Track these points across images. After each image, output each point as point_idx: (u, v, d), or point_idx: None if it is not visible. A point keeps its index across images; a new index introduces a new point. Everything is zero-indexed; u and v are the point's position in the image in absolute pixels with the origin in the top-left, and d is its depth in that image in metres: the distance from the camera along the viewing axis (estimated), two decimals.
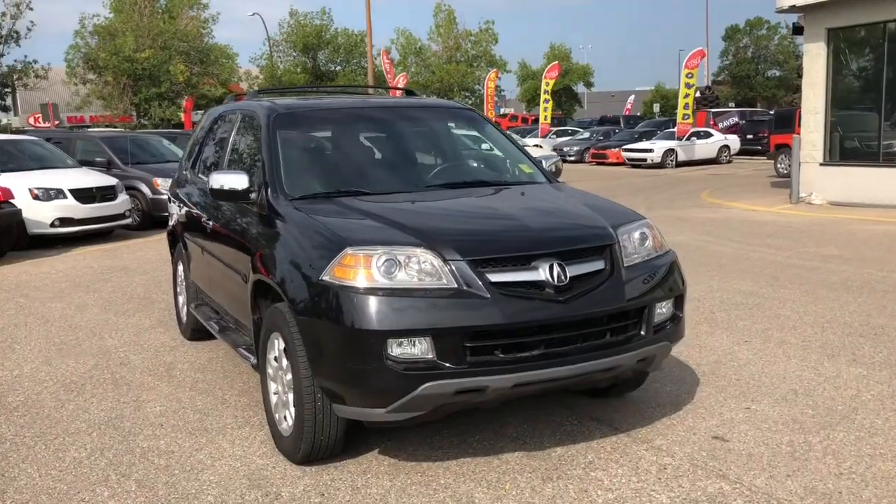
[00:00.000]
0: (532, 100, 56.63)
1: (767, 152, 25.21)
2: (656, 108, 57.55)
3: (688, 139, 29.72)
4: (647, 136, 32.57)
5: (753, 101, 63.62)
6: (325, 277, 3.63)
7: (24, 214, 11.90)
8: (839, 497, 3.56)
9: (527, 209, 4.30)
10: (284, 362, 3.99)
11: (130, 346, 6.43)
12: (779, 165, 22.54)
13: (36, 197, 12.14)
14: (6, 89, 34.34)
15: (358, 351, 3.52)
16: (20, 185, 12.12)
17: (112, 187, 13.14)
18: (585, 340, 3.77)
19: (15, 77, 34.08)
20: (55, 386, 5.45)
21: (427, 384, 3.49)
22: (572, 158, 33.66)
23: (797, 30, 15.82)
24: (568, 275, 3.70)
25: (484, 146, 5.47)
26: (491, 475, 3.87)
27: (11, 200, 11.63)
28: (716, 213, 14.59)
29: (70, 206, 12.34)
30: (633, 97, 67.05)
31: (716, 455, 4.03)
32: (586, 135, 36.91)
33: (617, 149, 31.37)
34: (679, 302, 4.24)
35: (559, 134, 38.00)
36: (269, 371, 4.25)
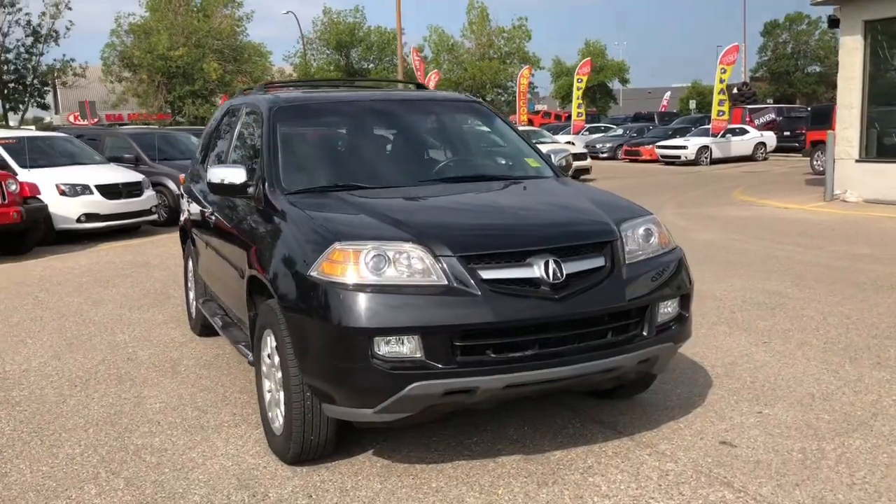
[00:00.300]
0: (566, 96, 56.10)
1: (803, 149, 24.67)
2: (692, 104, 56.66)
3: (722, 136, 29.20)
4: (681, 132, 32.10)
5: (793, 97, 62.43)
6: (313, 273, 3.54)
7: (52, 210, 12.04)
8: None
9: (526, 204, 4.17)
10: (276, 359, 3.90)
11: (140, 342, 6.41)
12: (815, 162, 22.01)
13: (63, 193, 12.26)
14: (45, 88, 34.90)
15: (344, 349, 3.41)
16: (48, 180, 12.25)
17: (138, 183, 13.23)
18: (583, 340, 3.62)
19: (54, 76, 34.66)
20: (60, 381, 5.44)
21: (414, 384, 3.37)
22: (605, 155, 33.29)
23: (833, 22, 15.40)
24: (564, 272, 3.56)
25: (492, 140, 5.33)
26: (485, 479, 3.74)
27: (38, 196, 11.78)
28: (746, 211, 14.26)
29: (96, 202, 12.44)
30: (669, 94, 66.25)
31: (722, 461, 3.85)
32: (619, 131, 36.49)
33: (650, 146, 30.94)
34: (685, 301, 4.06)
35: (592, 130, 37.61)
36: (263, 368, 4.17)
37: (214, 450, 4.19)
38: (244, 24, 38.90)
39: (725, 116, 29.22)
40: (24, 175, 12.18)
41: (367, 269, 3.45)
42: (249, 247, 4.30)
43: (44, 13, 32.72)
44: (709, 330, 6.20)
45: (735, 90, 45.67)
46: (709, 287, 7.74)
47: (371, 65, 49.75)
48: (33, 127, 36.95)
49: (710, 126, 29.48)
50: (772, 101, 53.85)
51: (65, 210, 12.24)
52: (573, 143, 30.19)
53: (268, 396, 4.14)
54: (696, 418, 4.41)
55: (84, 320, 7.21)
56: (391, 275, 3.46)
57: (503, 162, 5.16)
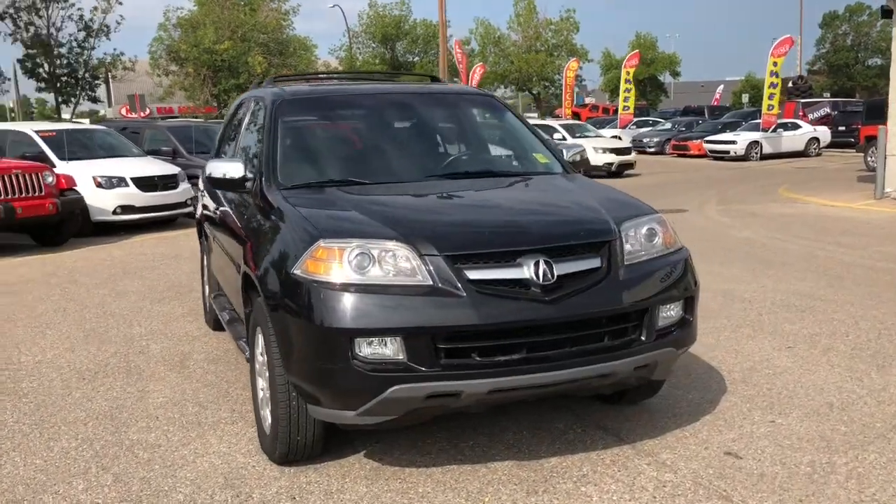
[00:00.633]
0: (615, 90, 55.35)
1: (858, 145, 23.87)
2: (745, 98, 55.49)
3: (773, 131, 28.44)
4: (731, 127, 31.36)
5: (852, 91, 60.63)
6: (297, 271, 3.45)
7: (88, 202, 12.24)
8: None
9: (523, 203, 4.03)
10: (265, 358, 3.83)
11: (154, 335, 6.42)
12: (868, 159, 21.25)
13: (99, 185, 12.44)
14: (96, 81, 35.64)
15: (325, 350, 3.32)
16: (85, 173, 12.45)
17: (174, 176, 13.36)
18: (575, 345, 3.47)
19: (106, 70, 35.40)
20: (70, 373, 5.46)
21: (396, 387, 3.27)
22: (652, 150, 32.69)
23: (886, 13, 14.83)
24: (555, 273, 3.41)
25: (502, 134, 5.18)
26: (474, 485, 3.62)
27: (75, 188, 11.97)
28: (790, 209, 13.83)
29: (131, 194, 12.59)
30: (721, 87, 64.83)
31: (724, 473, 3.67)
32: (668, 125, 35.81)
33: (699, 140, 30.27)
34: (689, 304, 3.88)
35: (639, 124, 36.98)
36: (257, 366, 4.11)
37: (207, 447, 4.14)
38: (290, 17, 39.21)
39: (776, 111, 28.44)
40: (63, 167, 12.40)
41: (351, 268, 3.36)
42: (245, 242, 4.24)
43: (95, 8, 33.46)
44: (732, 333, 5.98)
45: (790, 84, 44.54)
46: (739, 287, 7.48)
47: (416, 58, 49.73)
48: (87, 120, 37.79)
49: (760, 120, 28.73)
50: (829, 95, 52.41)
51: (101, 202, 12.42)
52: (620, 138, 29.73)
53: (260, 394, 4.07)
54: (704, 426, 4.22)
55: (104, 312, 7.26)
56: (375, 274, 3.36)
57: (511, 158, 5.01)
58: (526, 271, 3.39)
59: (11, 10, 33.05)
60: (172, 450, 4.13)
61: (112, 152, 13.84)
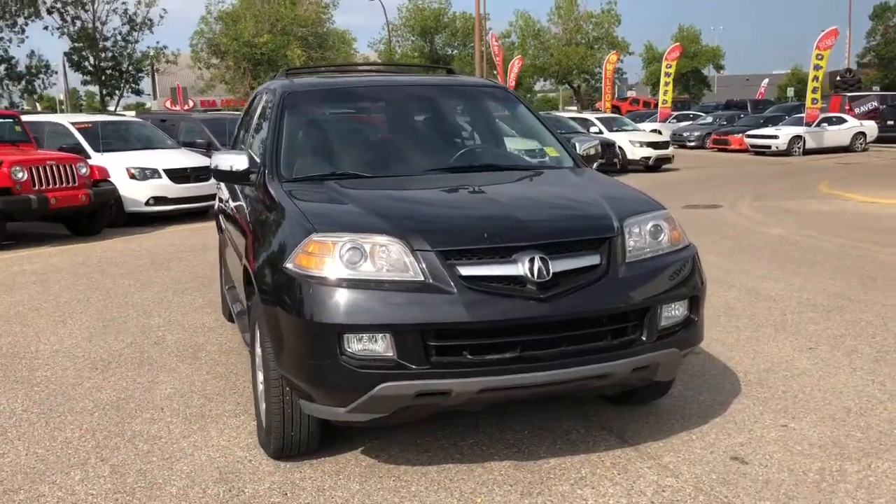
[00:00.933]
0: (657, 83, 54.71)
1: None
2: (790, 92, 54.31)
3: (817, 125, 27.80)
4: (773, 121, 30.72)
5: None
6: (289, 265, 3.41)
7: (122, 193, 12.40)
8: None
9: (523, 197, 3.94)
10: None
11: (172, 326, 6.46)
12: None
13: (132, 176, 12.60)
14: (140, 74, 36.21)
15: (314, 345, 3.28)
16: (119, 164, 12.62)
17: (206, 168, 13.42)
18: (571, 344, 3.38)
19: (151, 63, 35.95)
20: (84, 363, 5.51)
21: (384, 385, 3.21)
22: (692, 144, 32.21)
23: None
24: (551, 270, 3.32)
25: (512, 127, 5.08)
26: (468, 485, 3.56)
27: (108, 179, 12.14)
28: (829, 206, 13.47)
29: (164, 186, 12.73)
30: (766, 81, 63.69)
31: (727, 479, 3.55)
32: (709, 119, 35.24)
33: (740, 135, 29.74)
34: (694, 304, 3.75)
35: (680, 118, 36.43)
36: (257, 360, 4.08)
37: (207, 440, 4.14)
38: (330, 11, 39.37)
39: (820, 104, 27.77)
40: (97, 158, 12.58)
41: (342, 263, 3.31)
42: (247, 236, 4.22)
43: (139, 2, 33.97)
44: (753, 332, 5.81)
45: (838, 77, 43.48)
46: (765, 286, 7.29)
47: (455, 51, 49.62)
48: (133, 112, 38.40)
49: (804, 115, 28.09)
50: (878, 89, 51.05)
51: (134, 193, 12.58)
52: (659, 132, 29.32)
53: (260, 388, 4.04)
54: (712, 429, 4.10)
55: (127, 303, 7.33)
56: (366, 269, 3.31)
57: (519, 151, 4.91)
58: (521, 268, 3.31)
59: (59, 5, 33.75)
60: (172, 442, 4.13)
61: (147, 144, 14.01)
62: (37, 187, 10.72)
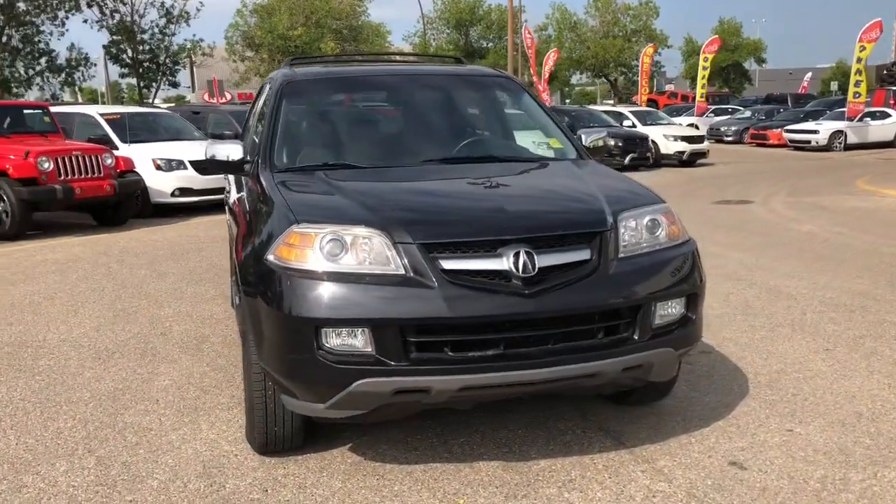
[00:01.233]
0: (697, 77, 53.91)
1: None
2: (834, 86, 53.10)
3: (859, 120, 27.08)
4: (814, 116, 30.01)
5: None
6: (270, 257, 3.34)
7: (148, 184, 12.49)
8: None
9: (515, 189, 3.81)
10: None
11: (180, 316, 6.45)
12: None
13: (158, 167, 12.68)
14: (176, 66, 36.59)
15: (292, 339, 3.21)
16: (146, 155, 12.71)
17: None
18: (557, 342, 3.25)
19: (189, 56, 36.33)
20: (88, 353, 5.51)
21: (361, 381, 3.12)
22: (730, 139, 31.62)
23: None
24: (537, 264, 3.20)
25: (515, 118, 4.95)
26: (452, 486, 3.45)
27: (134, 170, 12.22)
28: (864, 202, 13.07)
29: (189, 177, 12.79)
30: (809, 75, 62.26)
31: (722, 485, 3.40)
32: (747, 114, 34.53)
33: (779, 129, 29.10)
34: (692, 302, 3.59)
35: (717, 112, 35.81)
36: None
37: (196, 433, 4.09)
38: (365, 3, 39.39)
39: (863, 98, 27.05)
40: (125, 150, 12.68)
41: (322, 255, 3.22)
42: (238, 226, 4.16)
43: None
44: (769, 332, 5.61)
45: (884, 71, 42.37)
46: (788, 283, 7.06)
47: (490, 43, 49.35)
48: (173, 104, 38.81)
49: (846, 109, 27.39)
50: None
51: (160, 184, 12.67)
52: (696, 126, 28.84)
53: None
54: (713, 432, 3.94)
55: (140, 293, 7.35)
56: (347, 261, 3.21)
57: (520, 142, 4.78)
58: (505, 262, 3.19)
59: None
60: (162, 434, 4.09)
61: (174, 136, 14.10)
62: (62, 177, 10.83)
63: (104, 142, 12.69)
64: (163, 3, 34.39)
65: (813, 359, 5.02)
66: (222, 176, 12.82)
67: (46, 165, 10.70)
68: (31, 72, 33.56)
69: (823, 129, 26.89)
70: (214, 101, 38.17)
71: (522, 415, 4.16)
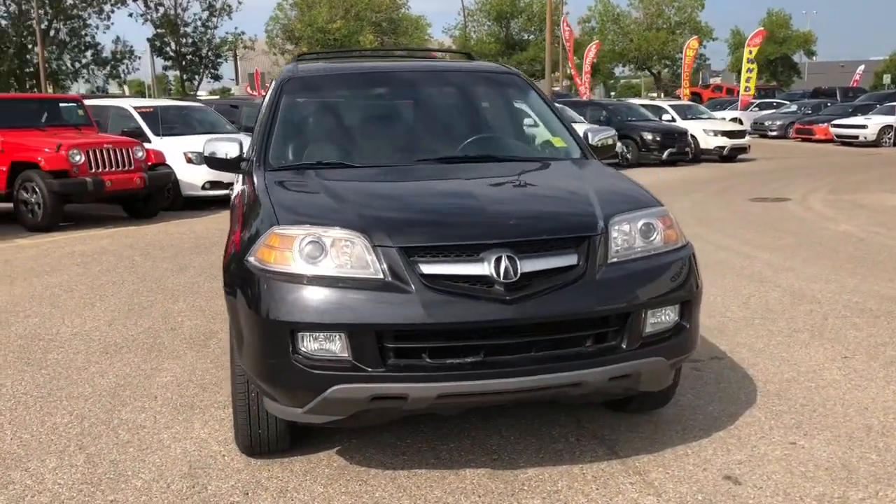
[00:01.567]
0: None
1: None
2: (886, 79, 51.62)
3: None
4: (863, 110, 29.16)
5: None
6: (250, 258, 3.29)
7: (179, 176, 12.62)
8: None
9: (505, 191, 3.71)
10: None
11: (192, 311, 6.47)
12: None
13: (189, 160, 12.78)
14: (218, 59, 37.01)
15: (268, 343, 3.16)
16: (177, 148, 12.83)
17: None
18: (541, 350, 3.15)
19: (233, 48, 36.72)
20: (96, 347, 5.55)
21: (337, 387, 3.06)
22: (774, 133, 30.96)
23: None
24: (519, 270, 3.10)
25: (519, 115, 4.83)
26: (434, 494, 3.38)
27: (165, 163, 12.35)
28: None
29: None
30: (862, 67, 60.62)
31: (714, 500, 3.27)
32: (793, 108, 33.74)
33: (825, 124, 28.39)
34: (686, 309, 3.45)
35: (762, 106, 35.03)
36: None
37: (188, 432, 4.08)
38: None
39: None
40: (157, 142, 12.83)
41: (301, 257, 3.17)
42: (231, 226, 4.13)
43: None
44: (786, 338, 5.43)
45: None
46: (813, 286, 6.84)
47: (531, 36, 48.89)
48: (217, 97, 39.27)
49: None
50: None
51: (191, 177, 12.78)
52: (740, 121, 28.26)
53: None
54: (712, 444, 3.80)
55: (158, 286, 7.40)
56: (325, 264, 3.15)
57: (521, 140, 4.66)
58: (487, 267, 3.10)
59: None
60: (154, 432, 4.08)
61: (208, 129, 14.19)
62: (93, 170, 10.99)
63: (137, 135, 12.85)
64: None
65: (828, 367, 4.84)
66: None
67: (78, 158, 10.86)
68: (77, 64, 34.21)
69: (872, 123, 26.15)
70: (256, 93, 38.54)
71: (516, 420, 4.06)
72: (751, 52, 33.10)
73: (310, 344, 3.11)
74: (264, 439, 3.60)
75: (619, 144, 19.58)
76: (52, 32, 32.81)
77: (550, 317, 3.12)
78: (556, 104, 18.67)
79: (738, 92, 35.87)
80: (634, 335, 3.26)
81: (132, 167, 11.41)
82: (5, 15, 33.23)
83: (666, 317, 3.39)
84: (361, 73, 4.97)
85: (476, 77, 5.00)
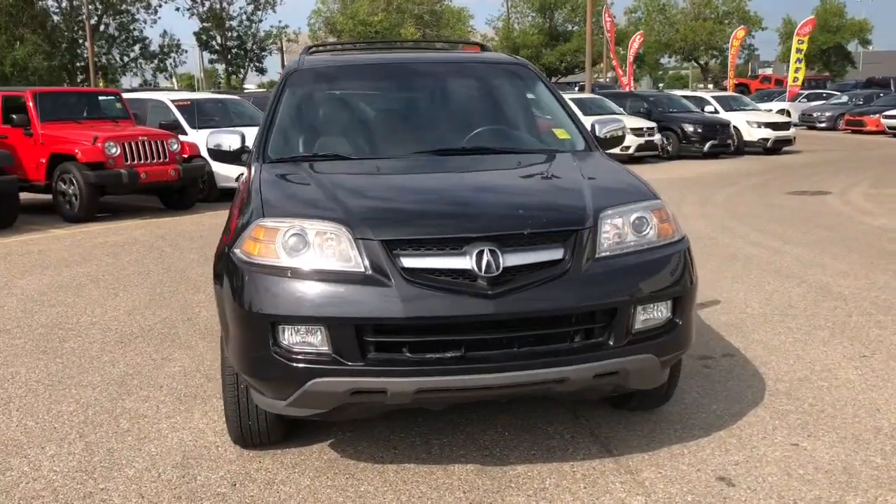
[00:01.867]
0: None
1: None
2: None
3: None
4: None
5: None
6: (236, 250, 3.31)
7: (214, 168, 12.74)
8: None
9: (495, 184, 3.66)
10: None
11: (210, 302, 6.45)
12: None
13: None
14: (263, 53, 37.40)
15: (250, 335, 3.16)
16: None
17: None
18: (523, 345, 3.10)
19: (280, 41, 37.11)
20: (113, 337, 5.64)
21: (316, 380, 3.06)
22: (823, 125, 30.26)
23: None
24: (501, 264, 3.05)
25: (524, 107, 4.75)
26: (419, 489, 3.36)
27: (200, 155, 12.49)
28: None
29: None
30: None
31: (704, 502, 3.19)
32: (843, 99, 32.87)
33: (876, 115, 27.61)
34: (679, 305, 3.36)
35: (811, 97, 34.18)
36: None
37: (187, 422, 4.12)
38: None
39: None
40: (193, 135, 12.98)
41: (284, 250, 3.16)
42: (229, 218, 4.14)
43: None
44: (804, 335, 5.28)
45: None
46: (841, 282, 6.64)
47: (576, 27, 48.36)
48: (265, 90, 39.71)
49: None
50: None
51: (226, 169, 12.87)
52: (787, 112, 27.60)
53: None
54: (710, 443, 3.71)
55: (182, 277, 7.50)
56: (308, 257, 3.14)
57: (524, 132, 4.58)
58: (469, 261, 3.06)
59: None
60: (154, 422, 4.13)
61: (243, 121, 14.32)
62: (128, 162, 11.17)
63: (174, 127, 13.02)
64: None
65: (845, 366, 4.69)
66: None
67: (113, 150, 11.06)
68: (125, 59, 34.92)
69: None
70: None
71: (513, 415, 4.01)
72: (800, 42, 32.22)
73: (291, 337, 3.10)
74: (255, 431, 3.61)
75: (658, 136, 19.51)
76: (101, 27, 33.51)
77: (533, 312, 3.07)
78: (595, 95, 18.45)
79: (787, 83, 35.01)
80: (622, 331, 3.19)
81: (167, 159, 11.58)
82: (58, 11, 34.10)
83: (658, 313, 3.31)
84: (364, 66, 4.95)
85: (481, 68, 4.93)
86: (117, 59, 34.94)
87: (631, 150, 18.31)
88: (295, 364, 3.07)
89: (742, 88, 38.68)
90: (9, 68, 30.85)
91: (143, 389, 4.60)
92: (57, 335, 5.70)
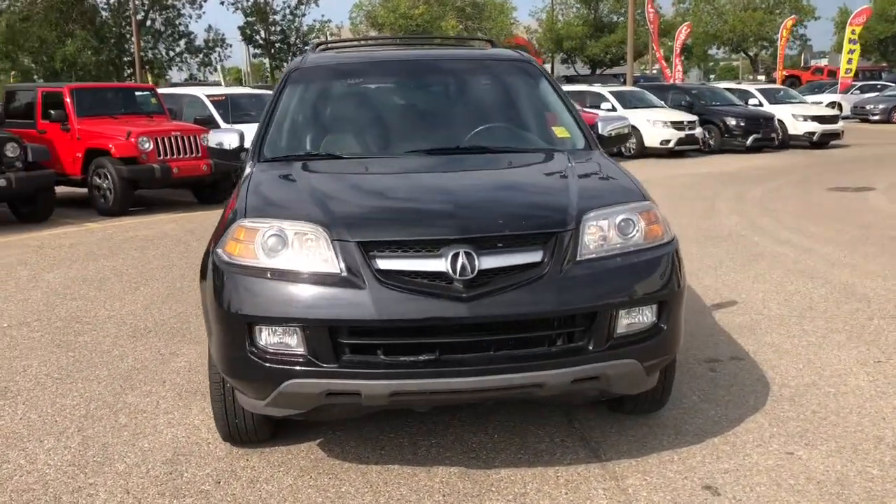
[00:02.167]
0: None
1: None
2: None
3: None
4: None
5: None
6: (218, 250, 3.33)
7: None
8: None
9: (478, 184, 3.61)
10: None
11: None
12: None
13: None
14: (306, 47, 37.64)
15: (228, 335, 3.18)
16: (246, 135, 13.08)
17: None
18: (500, 349, 3.06)
19: (312, 35, 37.39)
20: (126, 331, 5.74)
21: (290, 381, 3.06)
22: (876, 118, 29.33)
23: None
24: (476, 267, 3.01)
25: (526, 104, 4.68)
26: (399, 491, 3.34)
27: None
28: None
29: None
30: None
31: None
32: None
33: None
34: (664, 310, 3.28)
35: (864, 89, 33.22)
36: None
37: (183, 418, 4.16)
38: None
39: None
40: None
41: (263, 251, 3.17)
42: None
43: None
44: (819, 339, 5.13)
45: None
46: (867, 283, 6.44)
47: (620, 18, 47.70)
48: None
49: None
50: None
51: None
52: (838, 105, 26.94)
53: None
54: (702, 450, 3.62)
55: None
56: (286, 258, 3.15)
57: (521, 130, 4.51)
58: (444, 263, 3.02)
59: None
60: (152, 417, 4.19)
61: None
62: (161, 157, 11.36)
63: (208, 122, 13.18)
64: None
65: (856, 372, 4.54)
66: None
67: (146, 145, 11.25)
68: (171, 53, 35.51)
69: None
70: None
71: (506, 417, 3.98)
72: (853, 32, 31.42)
73: (269, 338, 3.12)
74: (241, 429, 3.63)
75: (699, 130, 19.17)
76: (147, 22, 34.14)
77: (508, 315, 3.03)
78: (636, 88, 18.12)
79: (839, 73, 34.14)
80: (602, 336, 3.13)
81: (199, 154, 11.72)
82: (106, 7, 34.85)
83: (642, 317, 3.24)
84: (364, 63, 4.94)
85: (484, 65, 4.88)
86: (163, 53, 35.56)
87: (671, 144, 18.05)
88: (269, 365, 3.08)
89: (793, 80, 37.84)
90: (59, 64, 31.65)
91: (147, 384, 4.66)
92: (73, 329, 5.82)
